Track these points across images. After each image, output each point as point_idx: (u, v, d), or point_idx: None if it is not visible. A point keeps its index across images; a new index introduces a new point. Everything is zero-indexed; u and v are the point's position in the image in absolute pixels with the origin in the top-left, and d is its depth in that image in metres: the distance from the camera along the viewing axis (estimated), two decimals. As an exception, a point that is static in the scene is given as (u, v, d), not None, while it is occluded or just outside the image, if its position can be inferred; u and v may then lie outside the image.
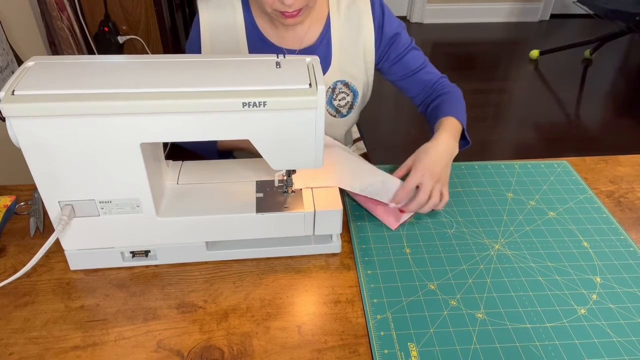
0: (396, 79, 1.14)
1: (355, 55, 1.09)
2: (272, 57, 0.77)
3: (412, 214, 0.92)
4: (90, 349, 0.71)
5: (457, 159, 0.99)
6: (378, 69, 1.14)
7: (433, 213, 0.95)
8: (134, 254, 0.84)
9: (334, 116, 1.15)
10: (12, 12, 1.65)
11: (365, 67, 1.11)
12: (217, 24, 1.05)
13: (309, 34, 1.08)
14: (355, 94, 1.14)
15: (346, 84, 1.11)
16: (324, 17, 1.07)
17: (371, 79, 1.14)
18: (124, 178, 0.74)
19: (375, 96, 1.20)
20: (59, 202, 0.75)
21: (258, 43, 1.07)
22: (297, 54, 1.06)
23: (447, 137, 0.96)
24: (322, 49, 1.08)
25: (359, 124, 1.37)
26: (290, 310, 0.77)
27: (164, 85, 0.68)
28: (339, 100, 1.13)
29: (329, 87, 1.11)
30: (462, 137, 1.04)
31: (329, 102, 1.13)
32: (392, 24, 1.09)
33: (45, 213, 0.93)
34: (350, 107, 1.15)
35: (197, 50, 1.08)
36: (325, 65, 1.08)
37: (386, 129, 2.49)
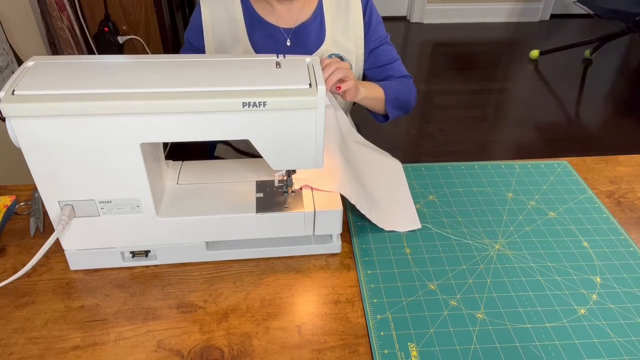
0: (366, 68, 1.22)
1: (346, 29, 1.16)
2: (272, 57, 0.77)
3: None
4: (90, 349, 0.71)
5: (457, 158, 0.99)
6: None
7: (433, 213, 0.95)
8: (134, 254, 0.84)
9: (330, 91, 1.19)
10: (12, 12, 1.65)
11: (355, 43, 1.17)
12: (217, 9, 1.12)
13: (303, 12, 1.14)
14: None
15: (340, 58, 1.17)
16: None
17: (361, 51, 1.18)
18: (124, 178, 0.74)
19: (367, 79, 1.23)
20: (59, 202, 0.75)
21: (255, 23, 1.13)
22: (293, 30, 1.14)
23: (362, 90, 1.06)
24: (316, 24, 1.15)
25: (357, 123, 1.38)
26: (290, 310, 0.77)
27: (164, 85, 0.68)
28: None
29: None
30: (385, 116, 1.18)
31: None
32: (374, 13, 1.18)
33: (45, 213, 0.93)
34: None
35: (197, 35, 1.14)
36: (320, 38, 1.15)
37: (385, 129, 2.49)
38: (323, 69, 0.95)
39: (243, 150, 1.31)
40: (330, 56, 1.16)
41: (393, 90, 1.15)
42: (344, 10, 1.15)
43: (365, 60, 1.20)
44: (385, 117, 1.18)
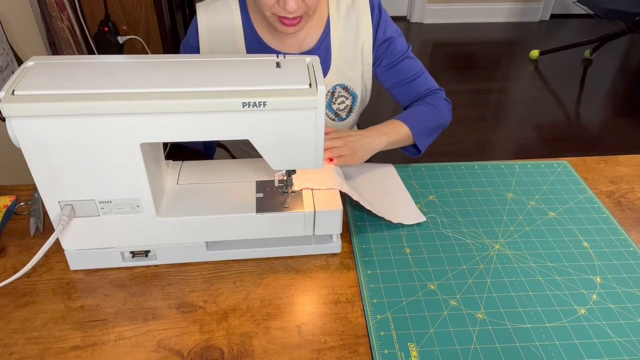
0: (389, 87, 1.14)
1: (354, 59, 1.09)
2: (272, 57, 0.77)
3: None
4: (90, 349, 0.71)
5: (457, 159, 0.99)
6: (373, 73, 1.14)
7: (433, 213, 0.95)
8: (134, 254, 0.84)
9: (333, 120, 1.15)
10: (12, 12, 1.65)
11: (362, 70, 1.11)
12: (216, 29, 1.05)
13: (309, 38, 1.07)
14: (354, 97, 1.13)
15: (345, 88, 1.11)
16: (324, 20, 1.07)
17: (369, 82, 1.13)
18: (124, 178, 0.74)
19: (375, 98, 1.20)
20: (59, 202, 0.75)
21: (257, 47, 1.07)
22: None
23: (383, 139, 0.99)
24: (321, 52, 1.07)
25: (358, 125, 1.37)
26: (290, 310, 0.77)
27: (164, 85, 0.68)
28: (338, 104, 1.13)
29: (328, 91, 1.10)
30: (414, 147, 1.06)
31: (328, 106, 1.12)
32: (389, 28, 1.08)
33: (45, 213, 0.93)
34: (350, 111, 1.15)
35: (191, 53, 1.07)
36: (325, 69, 1.08)
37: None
38: (328, 139, 0.91)
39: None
40: (334, 87, 1.10)
41: (420, 120, 1.04)
42: (353, 36, 1.07)
43: (384, 81, 1.12)
44: (418, 149, 1.06)
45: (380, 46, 1.09)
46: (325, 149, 0.91)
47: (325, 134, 0.92)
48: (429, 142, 1.07)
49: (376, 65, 1.11)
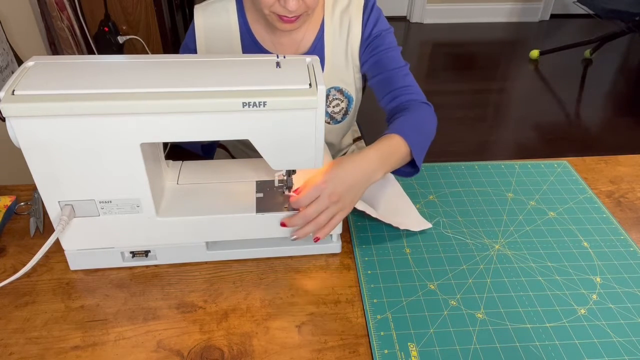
0: (370, 79, 1.07)
1: (346, 61, 1.08)
2: (272, 57, 0.77)
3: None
4: (90, 349, 0.71)
5: (457, 158, 0.99)
6: (362, 73, 1.11)
7: (433, 213, 0.95)
8: (134, 254, 0.84)
9: (328, 123, 1.15)
10: (12, 12, 1.65)
11: (353, 72, 1.09)
12: (213, 31, 1.05)
13: (305, 39, 1.06)
14: (349, 99, 1.12)
15: (340, 91, 1.10)
16: (319, 22, 1.06)
17: (359, 82, 1.12)
18: (124, 178, 0.74)
19: (376, 99, 1.20)
20: (59, 202, 0.75)
21: (253, 50, 1.06)
22: None
23: (372, 156, 0.83)
24: (316, 54, 1.03)
25: (359, 123, 1.37)
26: (290, 310, 0.77)
27: (164, 85, 0.68)
28: (333, 107, 1.12)
29: None
30: (412, 163, 0.91)
31: None
32: (379, 26, 1.05)
33: (45, 213, 0.93)
34: (345, 113, 1.15)
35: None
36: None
37: (386, 129, 2.49)
38: (307, 197, 0.78)
39: None
40: (329, 90, 1.08)
41: (414, 134, 0.89)
42: (345, 38, 1.04)
43: (367, 72, 1.07)
44: (414, 166, 0.91)
45: (368, 42, 1.05)
46: (311, 221, 0.78)
47: (294, 191, 0.81)
48: (423, 156, 0.91)
49: (363, 61, 1.08)
